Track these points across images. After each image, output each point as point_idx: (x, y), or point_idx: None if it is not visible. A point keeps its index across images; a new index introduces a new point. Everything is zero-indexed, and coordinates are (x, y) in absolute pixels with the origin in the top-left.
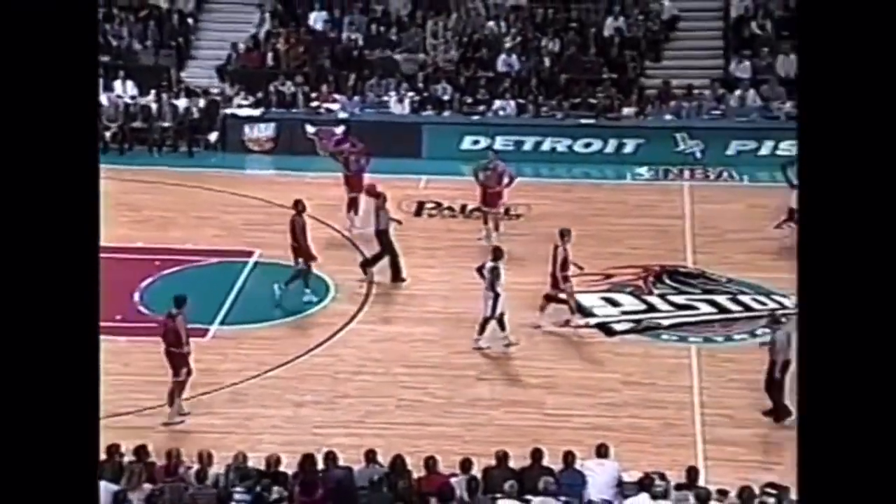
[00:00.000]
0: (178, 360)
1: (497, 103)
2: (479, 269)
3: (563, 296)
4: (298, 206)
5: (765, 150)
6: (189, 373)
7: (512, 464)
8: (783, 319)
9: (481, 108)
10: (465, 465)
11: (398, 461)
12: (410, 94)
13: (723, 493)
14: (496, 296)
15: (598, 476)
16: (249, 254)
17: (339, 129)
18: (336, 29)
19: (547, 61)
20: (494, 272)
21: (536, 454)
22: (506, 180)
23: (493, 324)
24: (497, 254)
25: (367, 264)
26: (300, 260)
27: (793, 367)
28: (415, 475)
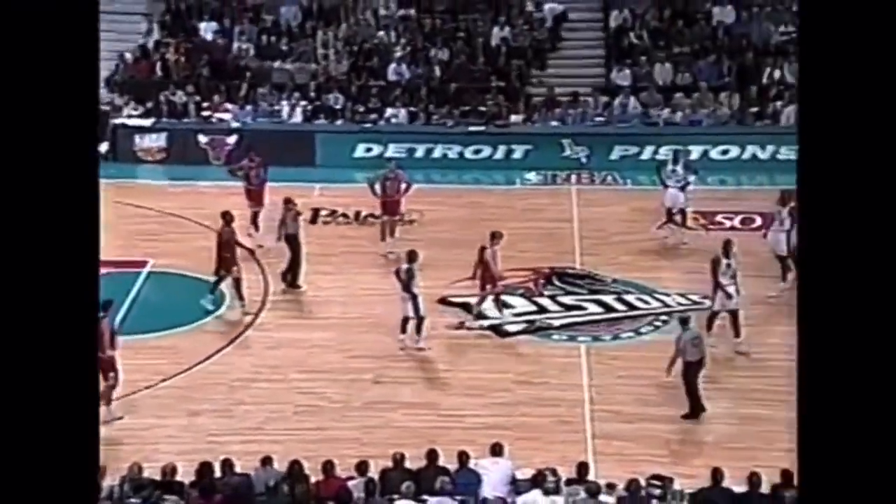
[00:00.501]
0: (104, 365)
1: (389, 111)
2: (397, 273)
3: (492, 295)
4: (226, 216)
5: (646, 154)
6: (116, 376)
7: (409, 465)
8: (691, 320)
9: (373, 116)
10: (362, 467)
11: (295, 466)
12: (303, 103)
13: (611, 487)
14: (413, 297)
15: (493, 474)
16: (143, 264)
17: (232, 139)
18: (226, 39)
19: (437, 70)
20: (409, 273)
21: (432, 455)
22: (403, 187)
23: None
24: (412, 256)
25: (287, 273)
26: (223, 270)
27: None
28: (313, 479)
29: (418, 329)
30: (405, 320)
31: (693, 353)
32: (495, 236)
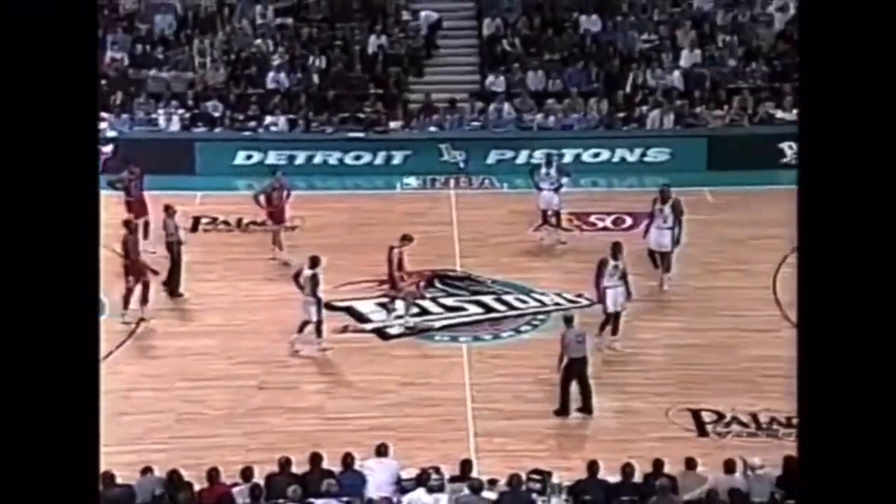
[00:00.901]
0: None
1: (268, 119)
2: (296, 277)
3: (401, 295)
4: (129, 224)
5: (521, 158)
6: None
7: (294, 469)
8: (574, 318)
9: (252, 124)
10: (247, 473)
11: (174, 475)
12: (180, 111)
13: (493, 483)
14: (318, 301)
15: (378, 475)
16: None
17: (108, 148)
18: (100, 48)
19: (315, 78)
20: (314, 279)
21: (315, 458)
22: (285, 195)
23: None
24: (315, 261)
25: (168, 282)
26: (130, 277)
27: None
28: (197, 487)
29: (319, 332)
30: (305, 323)
31: (577, 351)
32: (405, 238)
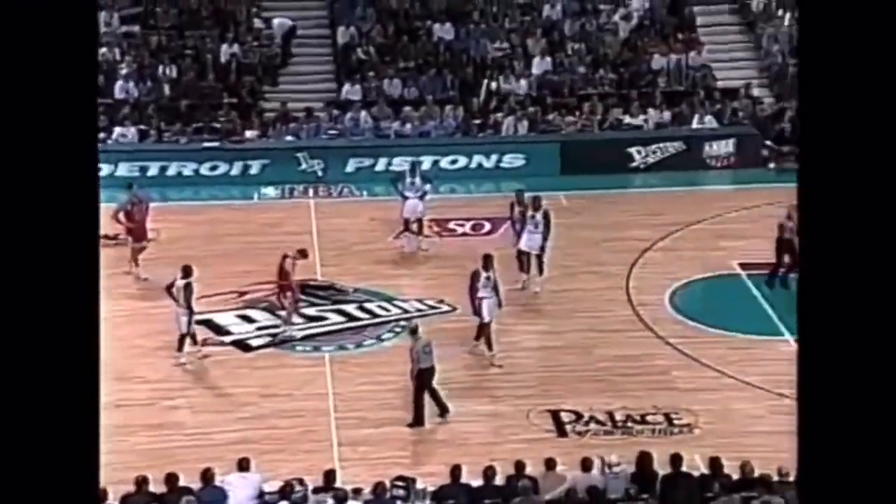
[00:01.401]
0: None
1: (118, 130)
2: (168, 288)
3: (286, 304)
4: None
5: (380, 166)
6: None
7: (152, 488)
8: (419, 329)
9: (102, 135)
10: (102, 494)
11: None
12: None
13: (357, 492)
14: (191, 312)
15: (240, 490)
16: None
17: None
18: None
19: (166, 88)
20: (188, 289)
21: (170, 478)
22: (145, 208)
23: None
24: (187, 271)
25: None
26: None
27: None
28: None
29: (194, 341)
30: (182, 337)
31: (426, 361)
32: (301, 252)
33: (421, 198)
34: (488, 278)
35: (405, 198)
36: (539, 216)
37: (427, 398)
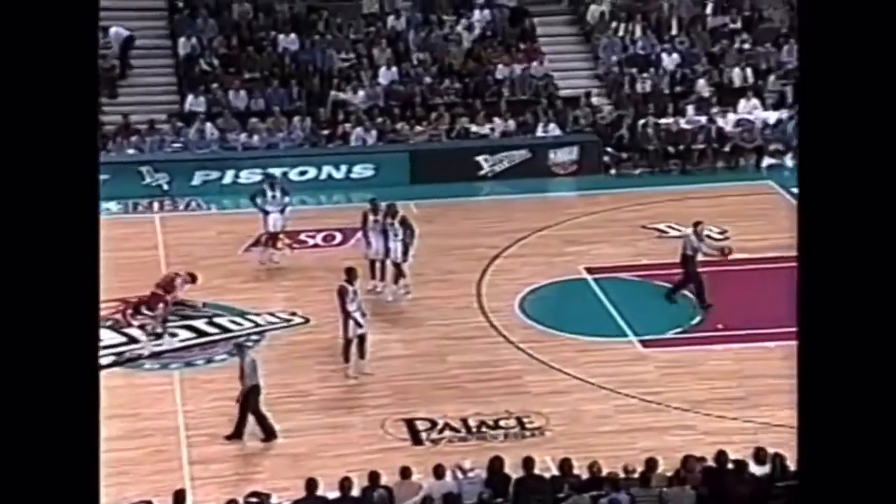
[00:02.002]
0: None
1: None
2: None
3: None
4: None
5: (227, 178)
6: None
7: None
8: (248, 345)
9: None
10: None
11: None
12: None
13: None
14: None
15: None
16: None
17: None
18: None
19: None
20: None
21: None
22: None
23: None
24: None
25: None
26: None
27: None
28: None
29: None
30: None
31: (252, 378)
32: (192, 277)
33: (281, 211)
34: (355, 293)
35: (266, 212)
36: (397, 223)
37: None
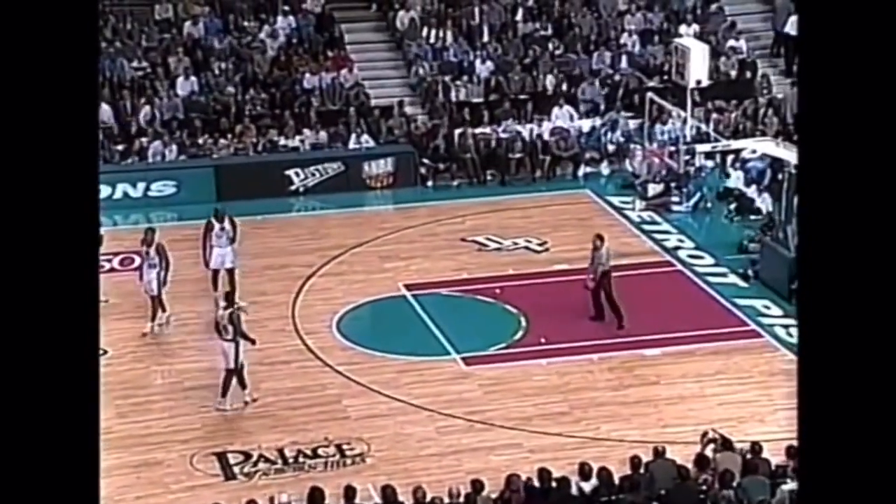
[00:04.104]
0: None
1: None
2: None
3: None
4: None
5: None
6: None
7: None
8: None
9: None
10: None
11: None
12: None
13: None
14: None
15: None
16: None
17: None
18: None
19: None
20: None
21: None
22: None
23: None
24: None
25: None
26: None
27: None
28: None
29: None
30: None
31: None
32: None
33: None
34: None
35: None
36: (153, 251)
37: None
